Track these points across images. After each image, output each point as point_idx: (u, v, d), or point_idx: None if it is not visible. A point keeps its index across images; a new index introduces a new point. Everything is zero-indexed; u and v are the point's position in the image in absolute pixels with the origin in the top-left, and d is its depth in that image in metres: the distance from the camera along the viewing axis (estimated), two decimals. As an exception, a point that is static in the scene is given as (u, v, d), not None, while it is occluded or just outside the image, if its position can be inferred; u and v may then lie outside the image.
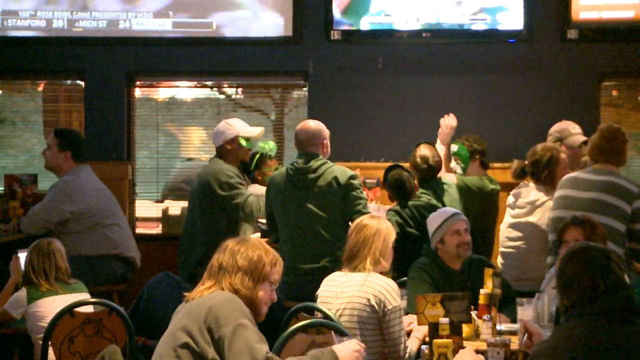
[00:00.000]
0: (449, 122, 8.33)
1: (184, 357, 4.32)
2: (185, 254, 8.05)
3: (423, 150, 7.91)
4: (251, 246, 4.61)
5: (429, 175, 7.83)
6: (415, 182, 7.74)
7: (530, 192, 7.54)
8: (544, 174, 7.51)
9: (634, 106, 10.54)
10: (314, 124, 7.56)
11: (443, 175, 8.04)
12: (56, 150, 8.32)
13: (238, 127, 8.04)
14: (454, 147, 8.31)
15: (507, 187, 8.02)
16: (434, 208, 7.24)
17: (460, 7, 9.08)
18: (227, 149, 7.99)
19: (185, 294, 4.66)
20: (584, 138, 7.97)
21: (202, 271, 7.34)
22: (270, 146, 8.37)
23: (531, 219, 7.47)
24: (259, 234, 8.17)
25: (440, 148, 8.18)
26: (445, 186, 7.84)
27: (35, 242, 6.73)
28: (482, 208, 7.97)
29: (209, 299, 4.44)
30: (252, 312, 4.45)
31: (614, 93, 9.99)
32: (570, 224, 5.99)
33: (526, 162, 7.64)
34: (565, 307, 4.52)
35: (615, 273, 4.44)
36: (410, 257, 6.89)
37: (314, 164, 7.31)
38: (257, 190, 7.98)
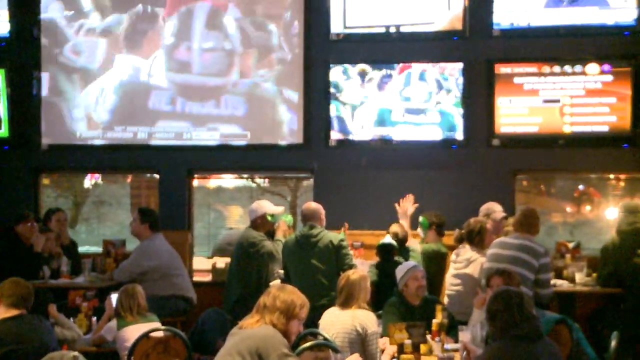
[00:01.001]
0: (402, 206, 8.38)
1: None
2: (227, 295, 8.02)
3: (394, 228, 7.98)
4: (287, 292, 4.64)
5: (399, 245, 7.84)
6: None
7: (466, 252, 7.53)
8: (476, 239, 7.55)
9: (538, 192, 10.59)
10: (314, 205, 7.63)
11: (412, 243, 8.06)
12: (139, 223, 8.32)
13: (265, 206, 8.04)
14: (420, 219, 8.29)
15: (451, 248, 8.01)
16: (400, 264, 7.27)
17: (417, 123, 9.11)
18: (258, 222, 7.99)
19: (239, 322, 4.68)
20: (503, 214, 8.01)
21: (239, 307, 7.45)
22: (288, 219, 8.37)
23: (467, 270, 7.45)
24: (279, 281, 8.13)
25: (404, 222, 8.21)
26: (411, 252, 7.85)
27: (123, 287, 6.70)
28: (436, 265, 7.93)
29: (258, 331, 4.47)
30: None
31: (524, 183, 10.01)
32: (494, 273, 5.98)
33: (463, 230, 7.66)
34: (492, 332, 4.52)
35: (527, 308, 4.46)
36: (384, 298, 6.88)
37: (314, 231, 7.33)
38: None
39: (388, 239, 7.80)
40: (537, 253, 6.86)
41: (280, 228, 8.03)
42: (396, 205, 8.39)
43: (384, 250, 7.71)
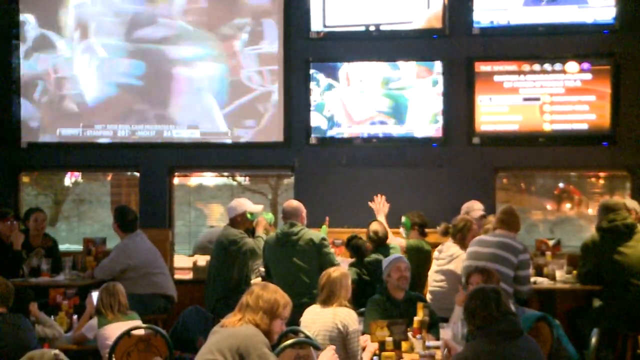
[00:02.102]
0: (375, 204, 8.43)
1: None
2: (208, 293, 7.99)
3: (374, 226, 7.97)
4: (270, 292, 4.60)
5: (379, 243, 7.86)
6: (369, 245, 7.80)
7: (450, 247, 7.62)
8: (458, 236, 7.63)
9: (518, 190, 10.64)
10: (295, 203, 7.60)
11: (393, 240, 8.08)
12: (113, 221, 8.34)
13: (245, 205, 8.02)
14: (403, 218, 8.32)
15: (434, 245, 8.04)
16: (379, 262, 7.30)
17: (398, 121, 9.15)
18: (238, 220, 7.97)
19: (221, 320, 4.65)
20: (482, 212, 8.13)
21: (221, 305, 7.45)
22: (269, 217, 8.37)
23: (450, 266, 7.51)
24: (260, 279, 8.14)
25: (382, 220, 8.24)
26: (391, 250, 7.84)
27: (104, 285, 6.67)
28: (419, 261, 7.95)
29: (240, 330, 4.44)
30: (267, 338, 4.46)
31: (504, 181, 10.05)
32: (473, 271, 6.01)
33: (451, 225, 7.74)
34: (471, 330, 4.54)
35: (505, 305, 4.49)
36: (364, 295, 6.91)
37: (295, 229, 7.31)
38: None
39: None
40: (515, 250, 6.89)
41: (260, 224, 8.01)
42: (370, 204, 8.44)
43: (354, 249, 7.75)
